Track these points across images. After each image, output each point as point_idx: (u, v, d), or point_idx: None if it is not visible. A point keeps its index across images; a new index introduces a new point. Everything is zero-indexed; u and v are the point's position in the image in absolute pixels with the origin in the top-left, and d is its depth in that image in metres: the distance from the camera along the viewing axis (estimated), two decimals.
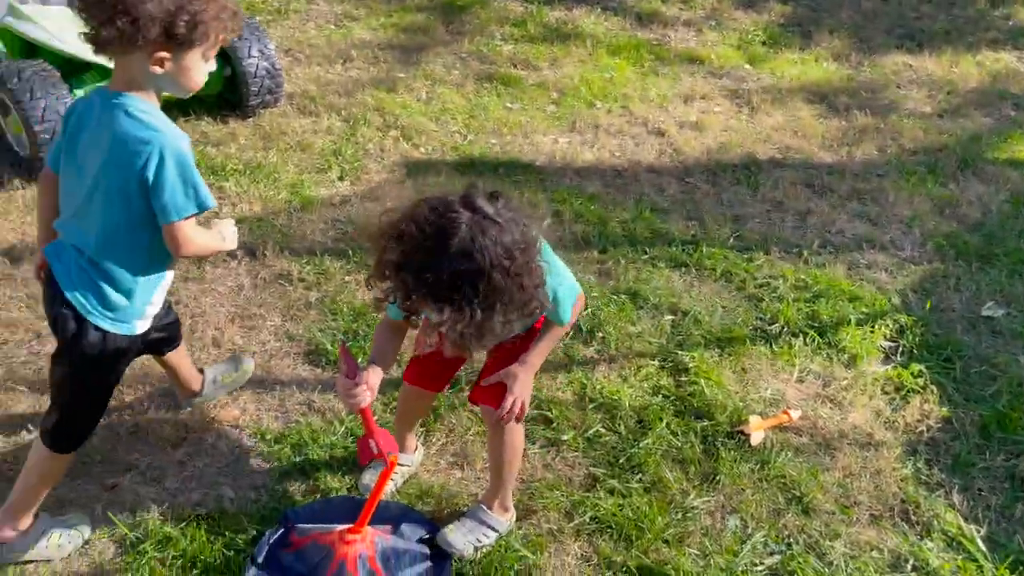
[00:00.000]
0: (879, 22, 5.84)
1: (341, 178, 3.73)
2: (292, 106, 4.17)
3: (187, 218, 1.80)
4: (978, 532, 2.37)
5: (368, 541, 2.00)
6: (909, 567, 2.26)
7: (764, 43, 5.45)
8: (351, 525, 2.00)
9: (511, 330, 1.71)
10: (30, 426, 2.38)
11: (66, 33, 3.42)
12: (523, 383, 2.02)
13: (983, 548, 2.31)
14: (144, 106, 1.77)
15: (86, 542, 2.11)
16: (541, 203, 3.64)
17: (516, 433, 2.14)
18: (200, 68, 1.79)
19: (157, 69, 1.73)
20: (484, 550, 2.15)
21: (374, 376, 1.89)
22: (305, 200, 3.53)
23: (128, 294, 1.88)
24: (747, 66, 5.14)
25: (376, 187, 3.69)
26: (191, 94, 1.84)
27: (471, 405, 2.41)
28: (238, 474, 2.35)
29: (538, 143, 4.12)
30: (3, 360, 2.64)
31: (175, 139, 1.76)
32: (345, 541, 1.98)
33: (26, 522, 2.04)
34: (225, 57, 3.86)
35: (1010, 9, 6.24)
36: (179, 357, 2.39)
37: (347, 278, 3.12)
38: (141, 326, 1.94)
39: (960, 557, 2.29)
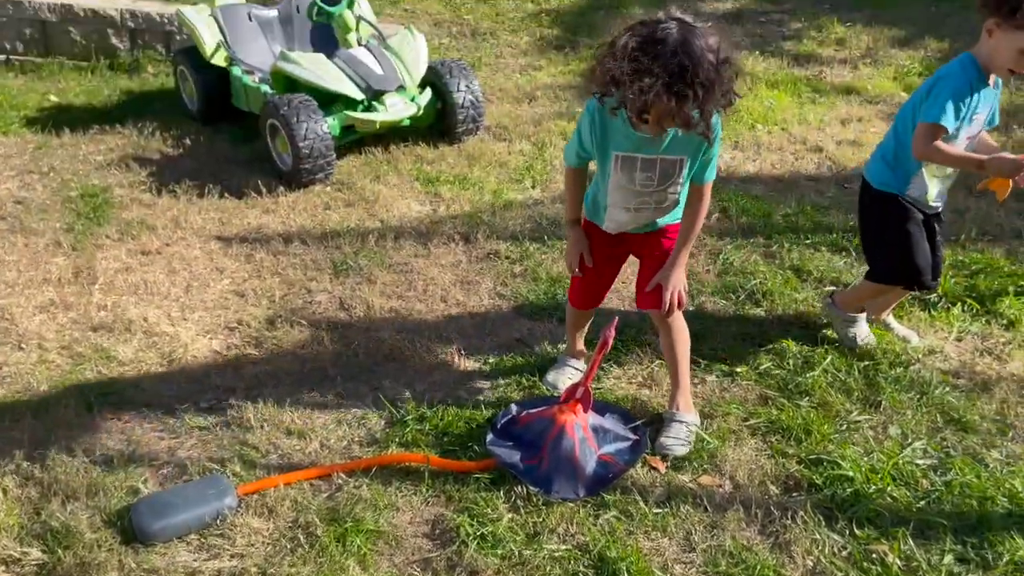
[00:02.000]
0: None
1: (533, 187, 4.37)
2: (490, 135, 4.90)
3: None
4: None
5: (581, 415, 2.50)
6: None
7: (920, 74, 5.75)
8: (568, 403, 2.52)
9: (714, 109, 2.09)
10: None
11: (323, 71, 4.32)
12: (676, 277, 2.51)
13: None
14: None
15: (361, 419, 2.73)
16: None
17: (683, 326, 2.64)
18: None
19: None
20: (692, 443, 2.59)
21: (582, 241, 2.58)
22: (505, 202, 4.18)
23: None
24: (903, 94, 5.45)
25: (563, 192, 4.29)
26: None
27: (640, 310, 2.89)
28: (468, 381, 2.92)
29: None
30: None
31: None
32: (563, 412, 2.49)
33: None
34: (437, 92, 4.66)
35: None
36: None
37: (543, 256, 3.71)
38: None
39: None
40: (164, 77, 5.61)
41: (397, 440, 2.61)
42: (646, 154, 2.31)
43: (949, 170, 2.81)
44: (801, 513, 2.31)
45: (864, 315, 3.09)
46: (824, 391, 2.83)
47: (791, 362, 2.99)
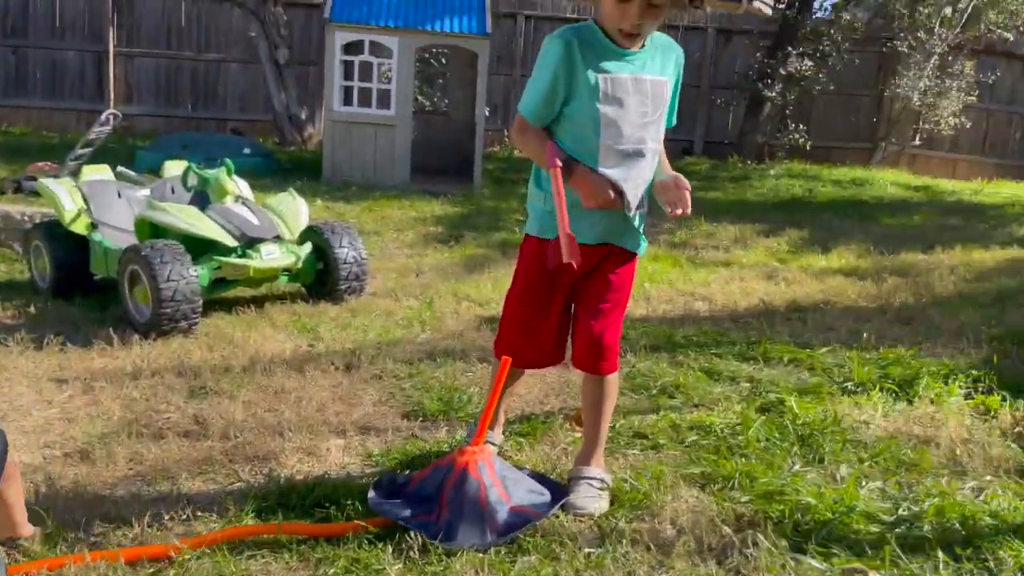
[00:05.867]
0: (892, 238, 6.49)
1: (423, 330, 4.07)
2: (375, 296, 4.65)
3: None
4: None
5: (487, 455, 2.04)
6: None
7: (789, 251, 6.05)
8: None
9: None
10: None
11: (193, 219, 4.08)
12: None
13: None
14: None
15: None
16: None
17: (615, 386, 2.29)
18: None
19: None
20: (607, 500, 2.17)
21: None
22: (392, 340, 3.84)
23: None
24: (776, 263, 5.67)
25: (456, 332, 4.02)
26: None
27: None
28: (347, 470, 2.41)
29: None
30: None
31: None
32: (464, 453, 2.02)
33: None
34: (318, 251, 4.46)
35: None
36: None
37: (437, 371, 3.34)
38: None
39: None
40: (17, 274, 5.16)
41: (252, 512, 2.04)
42: (632, 73, 2.06)
43: None
44: (765, 542, 1.87)
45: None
46: (760, 451, 2.48)
47: (719, 430, 2.65)
